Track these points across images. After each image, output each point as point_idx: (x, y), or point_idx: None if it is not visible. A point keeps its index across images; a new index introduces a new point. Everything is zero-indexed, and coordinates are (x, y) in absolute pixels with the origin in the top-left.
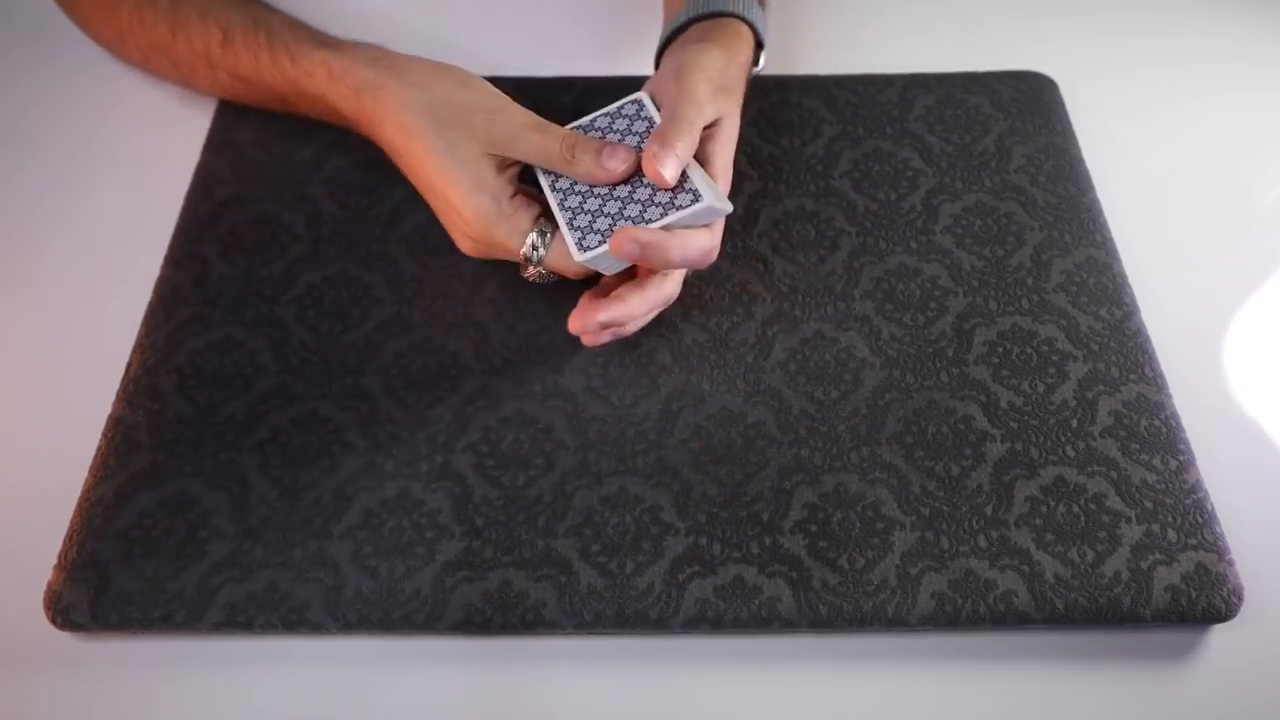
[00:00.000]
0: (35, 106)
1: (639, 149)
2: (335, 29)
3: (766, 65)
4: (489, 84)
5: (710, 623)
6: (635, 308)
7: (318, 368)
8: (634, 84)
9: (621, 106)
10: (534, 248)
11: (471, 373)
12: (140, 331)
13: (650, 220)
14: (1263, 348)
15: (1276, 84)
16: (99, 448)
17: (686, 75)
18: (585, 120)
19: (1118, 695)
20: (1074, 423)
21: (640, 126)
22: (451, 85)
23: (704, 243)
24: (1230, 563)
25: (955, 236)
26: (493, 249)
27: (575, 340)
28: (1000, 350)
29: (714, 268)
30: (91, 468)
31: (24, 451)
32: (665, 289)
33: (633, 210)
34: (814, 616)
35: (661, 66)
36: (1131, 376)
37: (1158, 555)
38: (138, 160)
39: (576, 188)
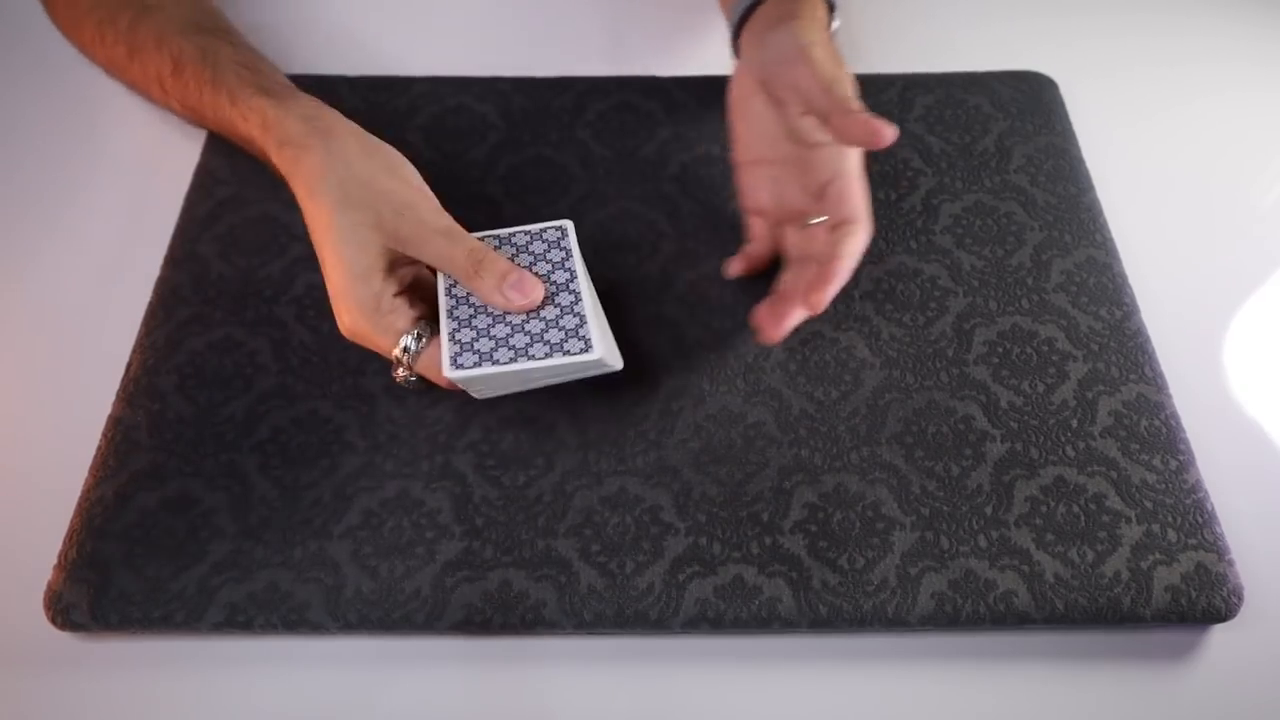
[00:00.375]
0: (35, 106)
1: (547, 281)
2: (335, 29)
3: None
4: (416, 175)
5: (710, 623)
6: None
7: (318, 368)
8: (633, 84)
9: (544, 230)
10: (405, 350)
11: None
12: (140, 331)
13: (533, 357)
14: (1263, 348)
15: (1276, 84)
16: (99, 448)
17: (812, 55)
18: (504, 232)
19: (1118, 695)
20: (1074, 423)
21: (556, 255)
22: (374, 168)
23: (860, 247)
24: (1230, 563)
25: (955, 236)
26: (365, 340)
27: None
28: (1000, 350)
29: (715, 267)
30: (91, 468)
31: (24, 451)
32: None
33: (519, 340)
34: (814, 616)
35: (772, 48)
36: (1131, 376)
37: (1158, 555)
38: (138, 160)
39: (471, 299)
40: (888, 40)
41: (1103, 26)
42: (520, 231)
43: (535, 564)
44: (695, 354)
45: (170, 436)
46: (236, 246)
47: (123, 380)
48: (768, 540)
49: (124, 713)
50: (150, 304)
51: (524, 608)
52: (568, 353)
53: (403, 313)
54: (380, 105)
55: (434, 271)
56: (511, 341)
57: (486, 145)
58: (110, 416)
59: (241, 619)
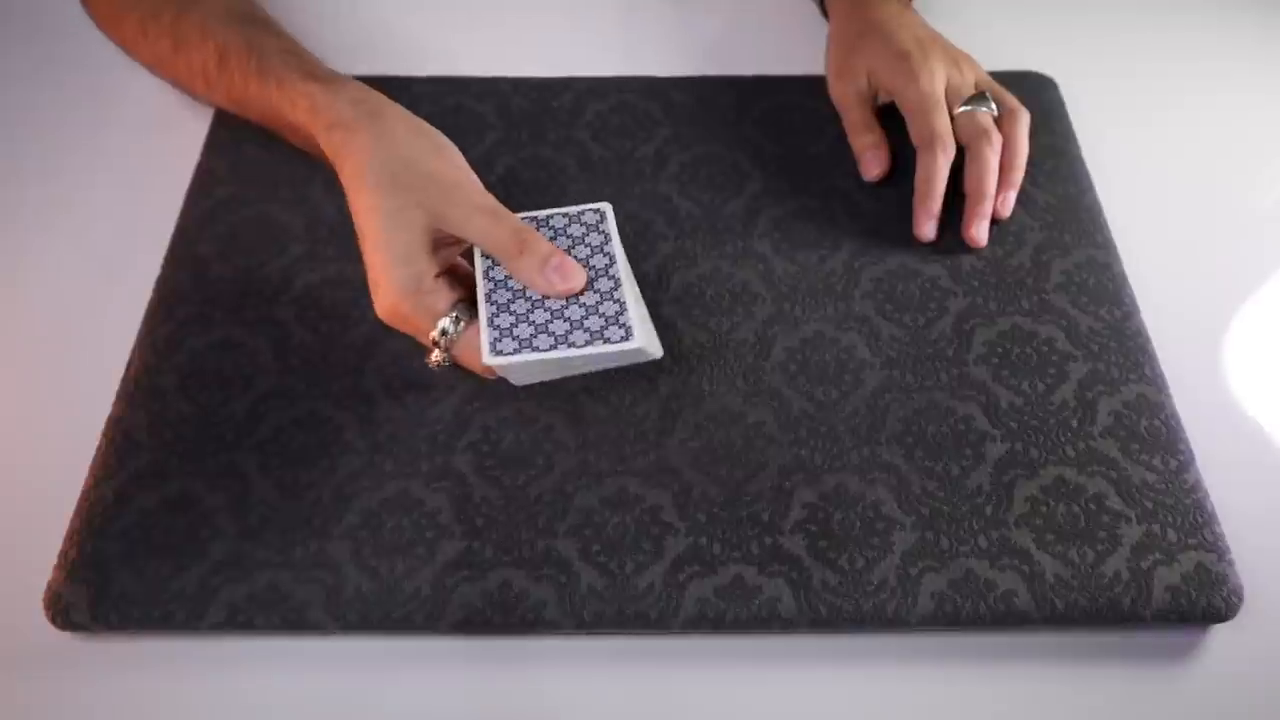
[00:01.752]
0: (36, 106)
1: (586, 265)
2: (334, 30)
3: (771, 66)
4: (461, 157)
5: (710, 623)
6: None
7: (318, 368)
8: (632, 84)
9: (582, 212)
10: (443, 333)
11: (471, 372)
12: (140, 331)
13: (574, 344)
14: (1263, 348)
15: (1276, 84)
16: (99, 448)
17: (911, 61)
18: (542, 214)
19: (1118, 695)
20: (1074, 423)
21: (595, 239)
22: (421, 148)
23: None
24: (1230, 563)
25: (955, 236)
26: (403, 322)
27: None
28: (1000, 350)
29: (714, 267)
30: (91, 468)
31: (24, 451)
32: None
33: (559, 327)
34: (814, 616)
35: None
36: (1131, 376)
37: (1158, 555)
38: (138, 160)
39: (510, 283)
40: None
41: (1103, 26)
42: (559, 213)
43: (535, 564)
44: (695, 354)
45: (170, 436)
46: (236, 246)
47: (123, 380)
48: (768, 540)
49: (124, 713)
50: (150, 304)
51: (524, 608)
52: (608, 340)
53: (442, 294)
54: None
55: (469, 259)
56: (551, 328)
57: (485, 145)
58: (110, 416)
59: (241, 619)
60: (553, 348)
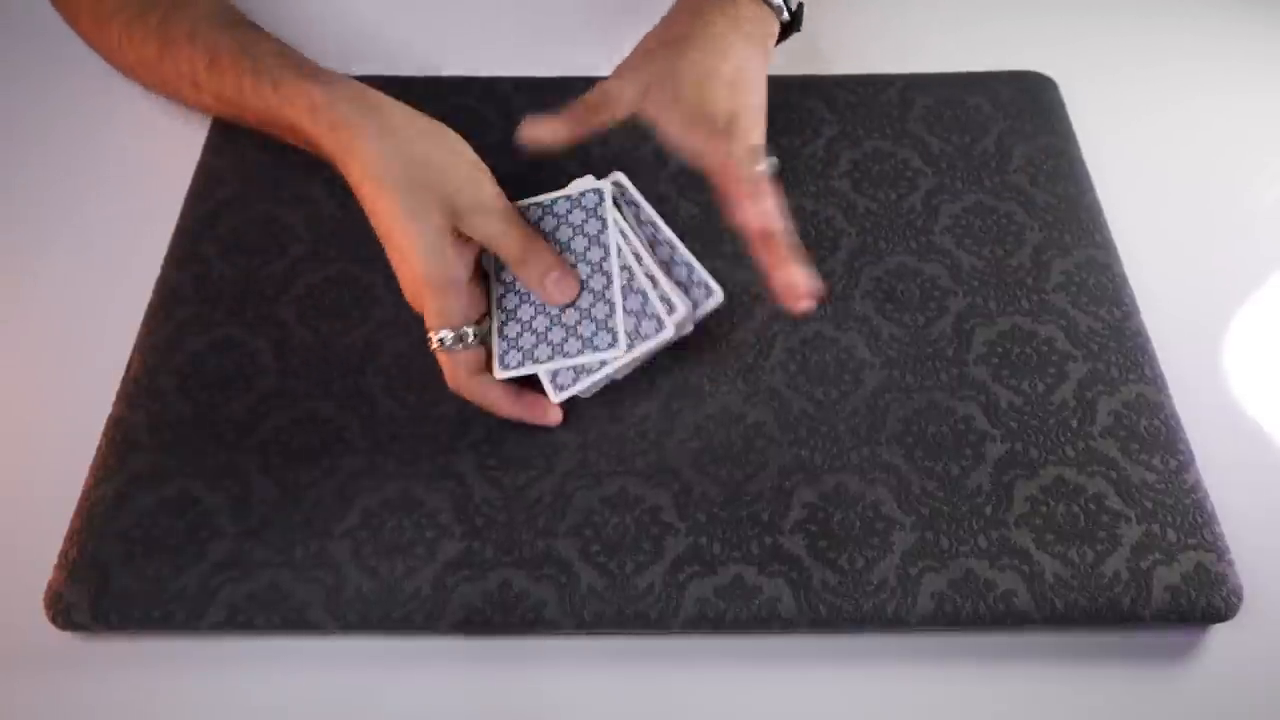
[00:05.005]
0: (37, 106)
1: (583, 259)
2: (335, 31)
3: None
4: (468, 149)
5: (710, 623)
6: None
7: (318, 368)
8: None
9: (584, 194)
10: (459, 338)
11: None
12: (140, 331)
13: (568, 353)
14: (1263, 348)
15: (1276, 84)
16: (99, 448)
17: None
18: (546, 199)
19: (1118, 695)
20: (1074, 423)
21: (593, 227)
22: (430, 143)
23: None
24: (1230, 563)
25: (955, 236)
26: (434, 296)
27: None
28: (1000, 350)
29: (712, 267)
30: (91, 468)
31: (24, 451)
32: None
33: (556, 335)
34: (814, 616)
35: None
36: (1131, 376)
37: (1157, 555)
38: (139, 160)
39: (517, 286)
40: (888, 40)
41: (1103, 26)
42: (561, 198)
43: (535, 564)
44: (695, 354)
45: (170, 436)
46: (237, 246)
47: (123, 380)
48: (768, 540)
49: (124, 713)
50: (150, 304)
51: (524, 608)
52: (596, 347)
53: (477, 301)
54: None
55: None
56: (550, 335)
57: (485, 145)
58: (110, 416)
59: (241, 619)
60: (550, 358)
